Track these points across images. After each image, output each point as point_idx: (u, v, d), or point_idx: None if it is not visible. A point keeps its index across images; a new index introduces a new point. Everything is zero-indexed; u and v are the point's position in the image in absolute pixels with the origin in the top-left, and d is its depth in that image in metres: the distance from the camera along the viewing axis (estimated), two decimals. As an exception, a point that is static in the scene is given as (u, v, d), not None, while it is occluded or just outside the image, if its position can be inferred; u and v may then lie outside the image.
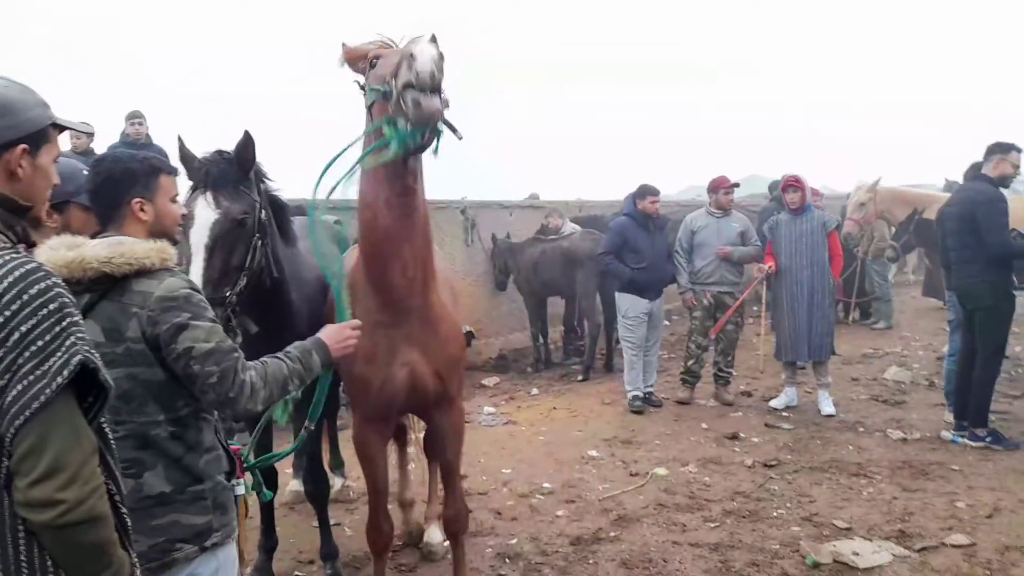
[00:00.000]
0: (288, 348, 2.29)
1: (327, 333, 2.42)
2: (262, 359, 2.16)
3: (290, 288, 3.47)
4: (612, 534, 4.54)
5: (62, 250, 1.89)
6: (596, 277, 8.66)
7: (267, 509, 4.09)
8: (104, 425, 1.56)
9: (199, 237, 2.89)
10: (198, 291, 2.04)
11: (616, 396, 7.69)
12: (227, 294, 2.91)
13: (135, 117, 7.54)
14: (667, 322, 11.69)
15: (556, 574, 4.09)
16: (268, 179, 3.38)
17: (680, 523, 4.66)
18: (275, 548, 4.16)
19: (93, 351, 1.45)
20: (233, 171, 3.05)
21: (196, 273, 2.83)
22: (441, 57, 2.42)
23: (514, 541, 4.51)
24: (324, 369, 2.38)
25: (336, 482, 5.48)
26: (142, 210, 2.08)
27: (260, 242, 3.10)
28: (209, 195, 2.96)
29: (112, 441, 1.60)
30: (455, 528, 3.59)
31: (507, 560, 4.27)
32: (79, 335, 1.42)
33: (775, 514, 4.76)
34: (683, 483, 5.36)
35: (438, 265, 3.25)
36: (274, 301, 3.37)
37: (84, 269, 1.87)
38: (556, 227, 10.13)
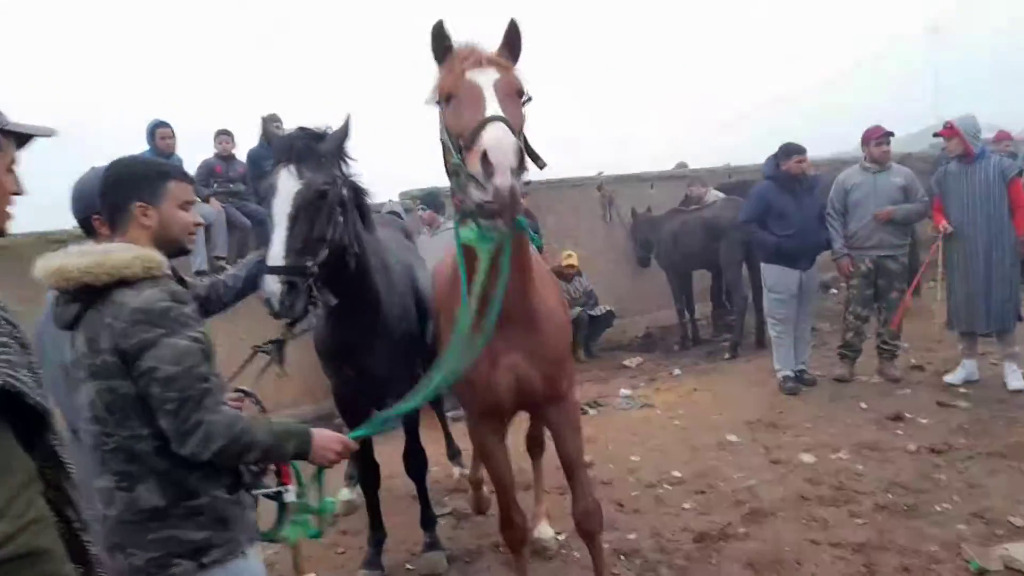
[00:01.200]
0: (277, 421, 2.17)
1: (321, 433, 2.19)
2: (244, 415, 2.00)
3: (372, 268, 3.40)
4: (741, 530, 4.13)
5: (55, 259, 1.84)
6: (741, 247, 8.05)
7: (372, 502, 4.07)
8: (58, 449, 1.45)
9: (282, 207, 2.88)
10: (183, 303, 1.92)
11: (765, 375, 7.09)
12: (309, 263, 2.87)
13: (224, 134, 7.87)
14: (834, 291, 10.77)
15: (673, 574, 3.76)
16: (351, 160, 3.31)
17: (822, 518, 4.16)
18: (383, 540, 4.13)
19: (17, 373, 1.32)
20: (316, 145, 3.04)
21: (279, 242, 2.82)
22: (519, 151, 2.16)
23: (633, 536, 4.21)
24: (295, 458, 2.16)
25: (454, 471, 5.42)
26: (145, 215, 2.02)
27: (342, 217, 3.07)
28: (292, 167, 2.94)
29: (70, 467, 1.47)
30: (588, 527, 3.32)
31: (622, 557, 3.99)
32: (3, 357, 1.32)
33: (938, 509, 4.13)
34: (831, 472, 4.80)
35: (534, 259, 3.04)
36: (356, 278, 3.31)
37: (66, 279, 1.81)
38: (699, 196, 9.58)
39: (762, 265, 6.83)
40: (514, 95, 2.45)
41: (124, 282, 1.85)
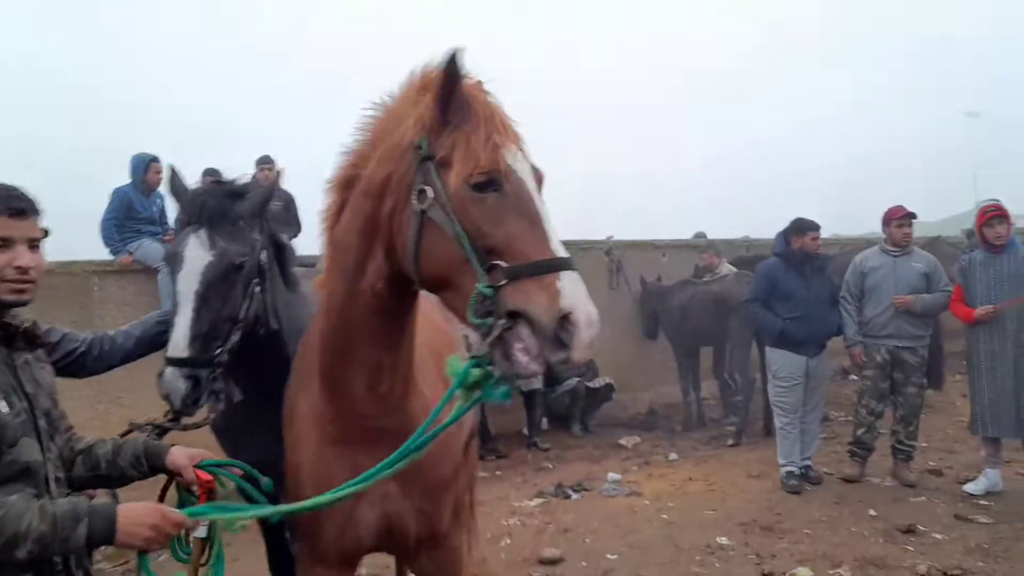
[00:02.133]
0: (59, 500, 1.68)
1: (132, 508, 1.71)
2: (12, 499, 1.59)
3: (288, 341, 2.92)
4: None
5: None
6: (751, 325, 7.57)
7: None
8: None
9: (188, 283, 2.43)
10: None
11: (767, 468, 6.53)
12: (217, 352, 2.43)
13: (265, 162, 7.60)
14: (853, 376, 10.16)
15: None
16: (269, 215, 2.84)
17: (812, 652, 3.59)
18: None
19: None
20: (233, 206, 2.58)
21: (183, 326, 2.38)
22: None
23: (592, 655, 3.67)
24: (98, 544, 1.69)
25: None
26: None
27: (259, 288, 2.61)
28: (203, 233, 2.49)
29: None
30: None
31: None
32: None
33: (947, 652, 3.55)
34: (827, 590, 4.22)
35: (425, 336, 2.35)
36: (269, 356, 2.80)
37: None
38: (711, 267, 9.15)
39: (767, 349, 6.34)
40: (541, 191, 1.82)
41: None
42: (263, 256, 2.69)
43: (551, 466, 7.50)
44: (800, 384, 6.03)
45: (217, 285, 2.48)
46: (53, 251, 2.48)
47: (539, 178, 1.80)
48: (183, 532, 1.83)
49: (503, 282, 1.59)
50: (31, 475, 1.72)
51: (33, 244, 1.80)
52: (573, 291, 1.58)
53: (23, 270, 1.76)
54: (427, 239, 1.75)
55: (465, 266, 1.67)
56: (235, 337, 2.52)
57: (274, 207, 2.88)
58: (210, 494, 1.97)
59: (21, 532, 1.55)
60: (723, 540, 5.08)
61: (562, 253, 1.65)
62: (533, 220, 1.68)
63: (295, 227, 7.56)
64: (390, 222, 1.86)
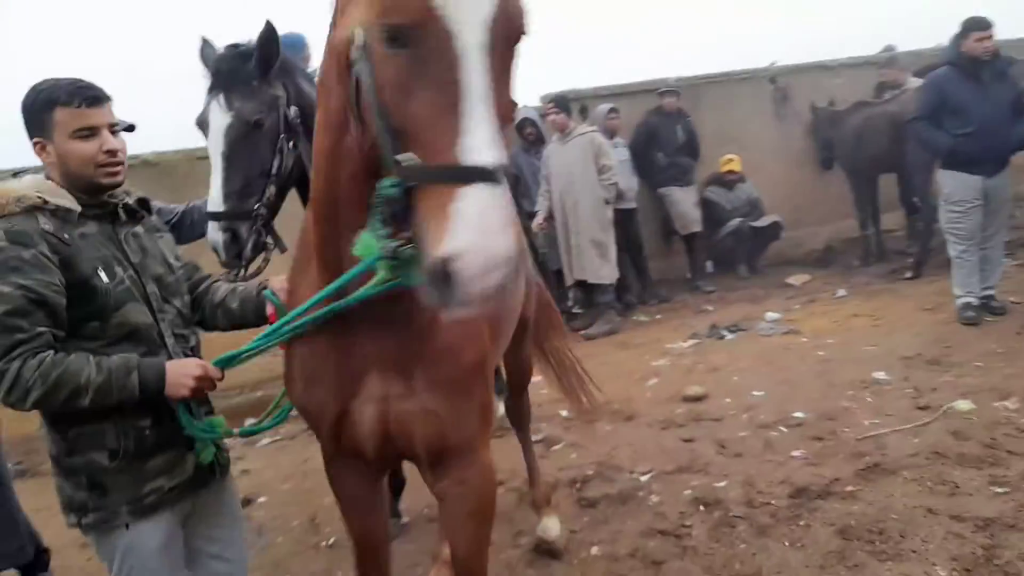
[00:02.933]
0: (114, 356, 1.91)
1: (178, 362, 1.97)
2: (72, 356, 1.84)
3: None
4: (849, 488, 3.55)
5: None
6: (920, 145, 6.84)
7: None
8: None
9: (215, 145, 2.64)
10: (21, 244, 1.81)
11: (945, 300, 6.06)
12: (255, 206, 2.63)
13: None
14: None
15: (751, 534, 3.32)
16: (299, 75, 2.89)
17: (951, 482, 3.46)
18: (402, 487, 3.95)
19: None
20: (247, 67, 2.67)
21: (216, 184, 2.61)
22: (509, 251, 1.22)
23: (722, 484, 3.78)
24: (143, 396, 1.92)
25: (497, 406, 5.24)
26: (43, 151, 1.93)
27: (290, 144, 2.72)
28: (221, 97, 2.64)
29: None
30: None
31: (701, 507, 3.60)
32: None
33: (1112, 487, 3.30)
34: (987, 424, 3.99)
35: None
36: None
37: None
38: (896, 83, 8.23)
39: (939, 171, 5.73)
40: (512, 52, 1.39)
41: None
42: (291, 112, 2.73)
43: (711, 308, 7.46)
44: (977, 207, 5.43)
45: (240, 144, 2.64)
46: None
47: (509, 27, 1.33)
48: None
49: (407, 184, 1.30)
50: (139, 335, 1.99)
51: (112, 129, 1.99)
52: (469, 222, 1.20)
53: (112, 152, 1.96)
54: (360, 105, 1.44)
55: (371, 129, 1.39)
56: (271, 191, 2.69)
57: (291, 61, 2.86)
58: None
59: (81, 384, 1.81)
60: (880, 375, 4.88)
61: (477, 158, 1.24)
62: (452, 98, 1.26)
63: None
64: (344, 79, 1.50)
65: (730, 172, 8.56)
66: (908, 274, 7.27)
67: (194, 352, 2.19)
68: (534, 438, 4.68)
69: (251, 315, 2.28)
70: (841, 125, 8.42)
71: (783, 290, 7.70)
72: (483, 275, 1.19)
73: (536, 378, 5.89)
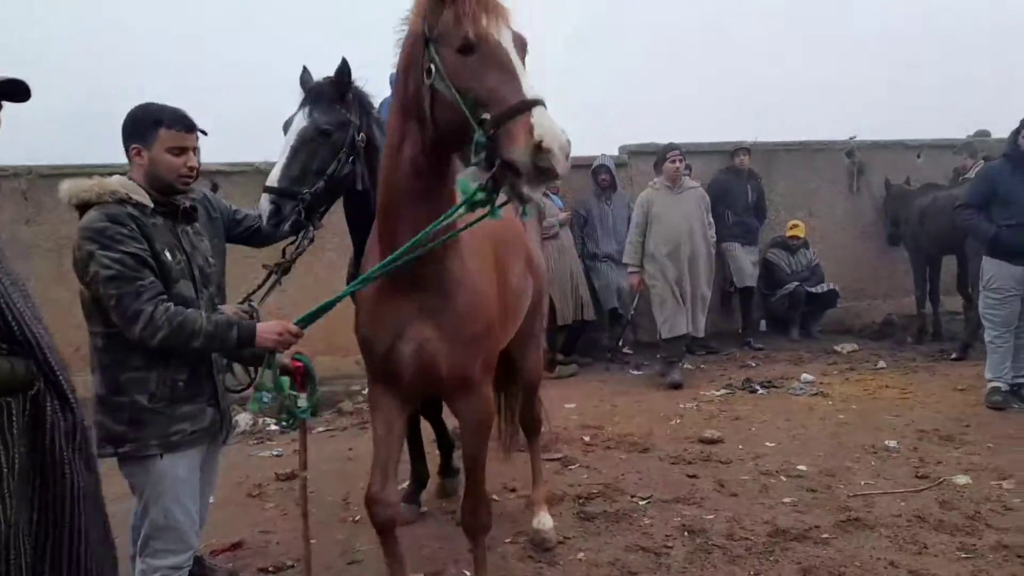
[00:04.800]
0: (219, 315, 2.52)
1: (264, 324, 2.56)
2: (189, 311, 2.40)
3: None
4: (825, 536, 3.83)
5: (66, 184, 2.47)
6: (964, 232, 6.96)
7: (415, 441, 4.43)
8: None
9: (289, 140, 3.32)
10: (119, 224, 2.36)
11: (978, 383, 6.17)
12: (303, 191, 3.25)
13: None
14: None
15: (723, 560, 3.65)
16: (372, 117, 3.56)
17: (922, 543, 3.71)
18: (426, 480, 4.52)
19: None
20: (331, 91, 3.37)
21: (279, 166, 3.27)
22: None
23: (710, 517, 4.12)
24: (240, 348, 2.53)
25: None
26: (139, 155, 2.50)
27: (351, 159, 3.37)
28: (306, 108, 3.35)
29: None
30: (472, 527, 3.11)
31: (686, 533, 3.94)
32: None
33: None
34: (978, 499, 4.18)
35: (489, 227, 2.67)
36: (361, 206, 3.49)
37: (66, 200, 2.43)
38: (965, 169, 8.35)
39: (984, 258, 5.90)
40: (523, 55, 2.25)
41: (88, 205, 2.39)
42: (360, 137, 3.40)
43: (754, 364, 7.71)
44: (1015, 296, 5.59)
45: (308, 143, 3.29)
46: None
47: (521, 42, 2.20)
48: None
49: (492, 131, 2.03)
50: (187, 306, 2.49)
51: (195, 150, 2.59)
52: (541, 123, 1.97)
53: (192, 169, 2.58)
54: (437, 107, 2.21)
55: (466, 122, 2.10)
56: (319, 185, 3.29)
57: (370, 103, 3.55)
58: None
59: (196, 329, 2.38)
60: (891, 443, 5.10)
61: (532, 95, 2.05)
62: (507, 72, 2.09)
63: None
64: (414, 101, 2.32)
65: (794, 237, 8.80)
66: (953, 355, 7.35)
67: None
68: (554, 456, 5.14)
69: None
70: (910, 203, 8.56)
71: (828, 356, 7.87)
72: (562, 150, 1.97)
73: (570, 404, 6.36)
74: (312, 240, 3.45)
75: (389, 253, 2.50)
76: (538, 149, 1.95)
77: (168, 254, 2.49)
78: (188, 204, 2.67)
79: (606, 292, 8.08)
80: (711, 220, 7.36)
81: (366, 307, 2.77)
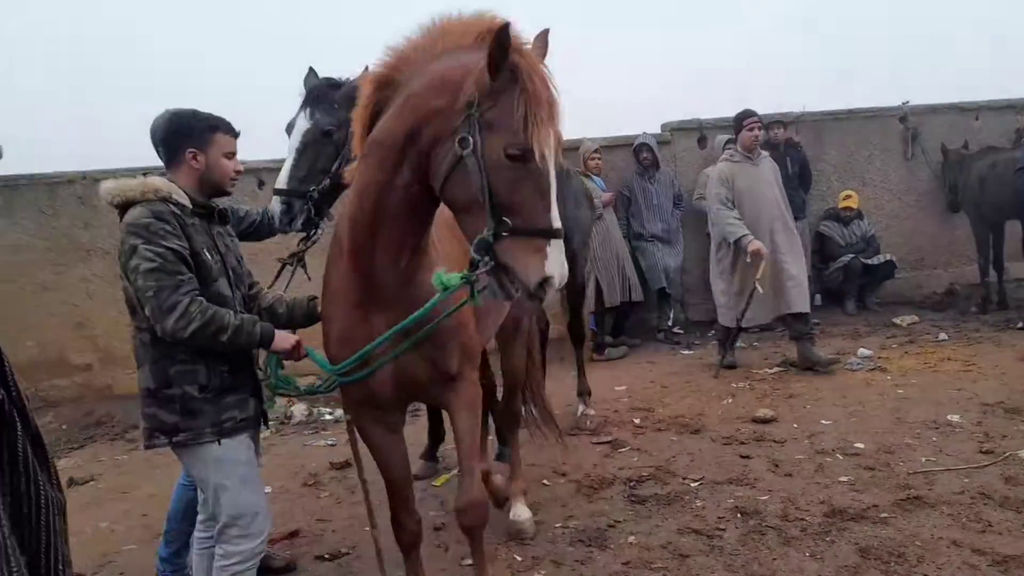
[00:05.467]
0: (244, 315, 2.58)
1: (281, 332, 2.65)
2: (218, 307, 2.47)
3: None
4: (884, 515, 3.74)
5: (108, 182, 2.56)
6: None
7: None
8: None
9: (294, 142, 3.47)
10: (163, 220, 2.43)
11: (1052, 352, 5.94)
12: (311, 189, 3.43)
13: None
14: None
15: (779, 543, 3.59)
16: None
17: (986, 521, 3.59)
18: (441, 439, 4.83)
19: None
20: (331, 92, 3.51)
21: (285, 170, 3.44)
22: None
23: (765, 497, 4.05)
24: (261, 346, 2.63)
25: (578, 408, 5.62)
26: (195, 159, 2.61)
27: (352, 155, 3.49)
28: (308, 110, 3.50)
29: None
30: (468, 522, 2.93)
31: (740, 515, 3.89)
32: None
33: None
34: (1047, 474, 4.04)
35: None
36: None
37: (109, 198, 2.51)
38: (1032, 130, 8.01)
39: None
40: (559, 152, 2.24)
41: (132, 202, 2.48)
42: None
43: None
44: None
45: (312, 144, 3.46)
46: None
47: (559, 139, 2.17)
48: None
49: (504, 234, 2.07)
50: (226, 305, 2.58)
51: (235, 155, 2.73)
52: (555, 259, 2.07)
53: (239, 172, 2.73)
54: (456, 177, 2.16)
55: (481, 212, 2.10)
56: (325, 183, 3.46)
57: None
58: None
59: (225, 324, 2.45)
60: (953, 417, 4.94)
61: (556, 225, 2.10)
62: (544, 193, 2.10)
63: None
64: (429, 146, 2.23)
65: (847, 208, 8.55)
66: (1020, 324, 7.07)
67: None
68: (604, 439, 5.13)
69: (300, 318, 2.95)
70: (968, 168, 8.24)
71: (887, 329, 7.64)
72: (560, 286, 2.11)
73: (620, 387, 6.33)
74: (323, 231, 3.62)
75: (359, 268, 2.55)
76: (543, 281, 2.07)
77: (207, 253, 2.57)
78: (221, 207, 2.77)
79: (653, 272, 7.98)
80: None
81: (336, 330, 2.73)
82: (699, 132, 8.78)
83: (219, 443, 2.57)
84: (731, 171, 6.45)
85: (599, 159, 7.86)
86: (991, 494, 3.86)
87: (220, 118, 2.67)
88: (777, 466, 4.46)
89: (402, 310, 2.53)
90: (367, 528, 3.97)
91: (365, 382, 2.69)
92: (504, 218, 2.08)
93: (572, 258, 4.77)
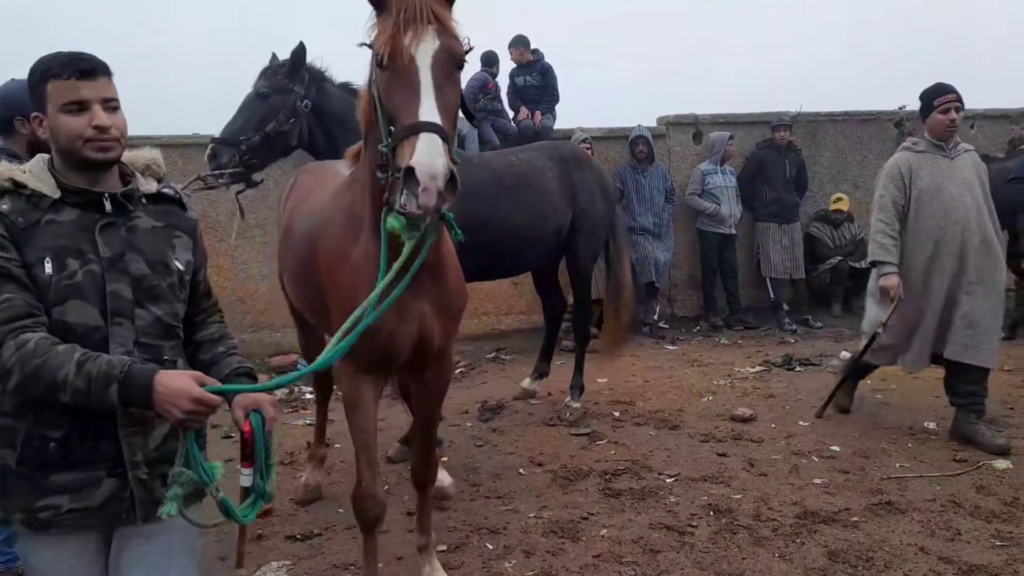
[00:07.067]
0: (105, 359, 1.72)
1: (172, 383, 1.71)
2: (60, 349, 1.70)
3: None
4: (855, 519, 3.76)
5: None
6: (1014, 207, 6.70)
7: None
8: None
9: (239, 104, 4.44)
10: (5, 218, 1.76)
11: (1030, 364, 5.98)
12: (240, 139, 4.33)
13: (518, 44, 8.36)
14: None
15: (749, 543, 3.60)
16: (327, 82, 4.59)
17: (955, 529, 3.62)
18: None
19: None
20: (276, 65, 4.45)
21: (227, 123, 4.38)
22: (447, 171, 2.04)
23: (738, 496, 4.07)
24: (133, 405, 1.74)
25: (566, 399, 5.68)
26: (41, 125, 1.85)
27: (289, 120, 4.38)
28: (257, 80, 4.47)
29: None
30: (422, 478, 3.26)
31: (712, 513, 3.90)
32: None
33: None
34: (1018, 485, 4.06)
35: None
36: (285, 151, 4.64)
37: None
38: (1021, 140, 8.02)
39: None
40: (453, 72, 2.28)
41: None
42: (303, 103, 4.43)
43: (793, 341, 7.57)
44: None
45: (248, 105, 4.44)
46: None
47: (450, 55, 2.24)
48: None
49: (395, 143, 2.18)
50: (80, 339, 1.77)
51: (109, 105, 1.83)
52: (422, 149, 2.05)
53: (102, 129, 1.79)
54: (376, 111, 2.38)
55: (377, 119, 2.34)
56: (255, 140, 4.37)
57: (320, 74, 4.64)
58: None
59: (58, 381, 1.67)
60: (930, 424, 4.98)
61: (423, 119, 2.12)
62: (414, 91, 2.16)
63: (552, 96, 8.24)
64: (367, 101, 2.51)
65: (838, 211, 8.57)
66: (1002, 335, 7.08)
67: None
68: (583, 431, 5.14)
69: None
70: (959, 176, 8.23)
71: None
72: (430, 178, 2.02)
73: (601, 379, 6.32)
74: (254, 186, 4.66)
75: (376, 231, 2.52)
76: (408, 171, 2.06)
77: (49, 265, 1.77)
78: (148, 187, 2.00)
79: (642, 265, 7.97)
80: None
81: (365, 289, 2.51)
82: (695, 127, 8.76)
83: (21, 535, 1.84)
84: (913, 164, 4.76)
85: (589, 149, 7.82)
86: (962, 502, 3.89)
87: (59, 58, 1.82)
88: (752, 465, 4.48)
89: (424, 272, 2.49)
90: (340, 510, 4.05)
91: (390, 340, 2.69)
92: (391, 128, 2.24)
93: (575, 251, 4.94)
